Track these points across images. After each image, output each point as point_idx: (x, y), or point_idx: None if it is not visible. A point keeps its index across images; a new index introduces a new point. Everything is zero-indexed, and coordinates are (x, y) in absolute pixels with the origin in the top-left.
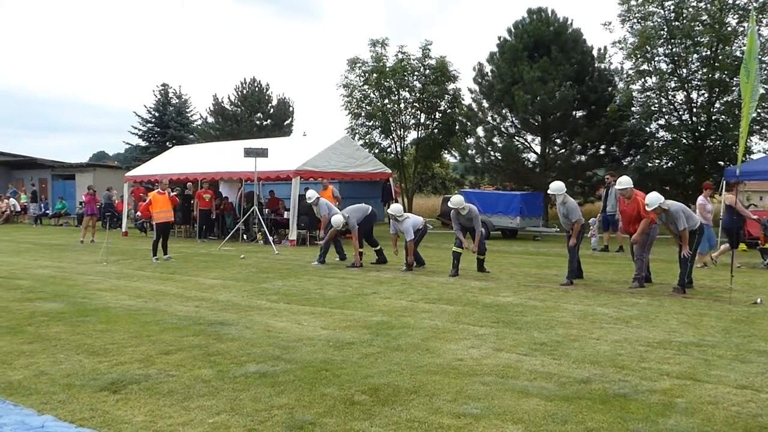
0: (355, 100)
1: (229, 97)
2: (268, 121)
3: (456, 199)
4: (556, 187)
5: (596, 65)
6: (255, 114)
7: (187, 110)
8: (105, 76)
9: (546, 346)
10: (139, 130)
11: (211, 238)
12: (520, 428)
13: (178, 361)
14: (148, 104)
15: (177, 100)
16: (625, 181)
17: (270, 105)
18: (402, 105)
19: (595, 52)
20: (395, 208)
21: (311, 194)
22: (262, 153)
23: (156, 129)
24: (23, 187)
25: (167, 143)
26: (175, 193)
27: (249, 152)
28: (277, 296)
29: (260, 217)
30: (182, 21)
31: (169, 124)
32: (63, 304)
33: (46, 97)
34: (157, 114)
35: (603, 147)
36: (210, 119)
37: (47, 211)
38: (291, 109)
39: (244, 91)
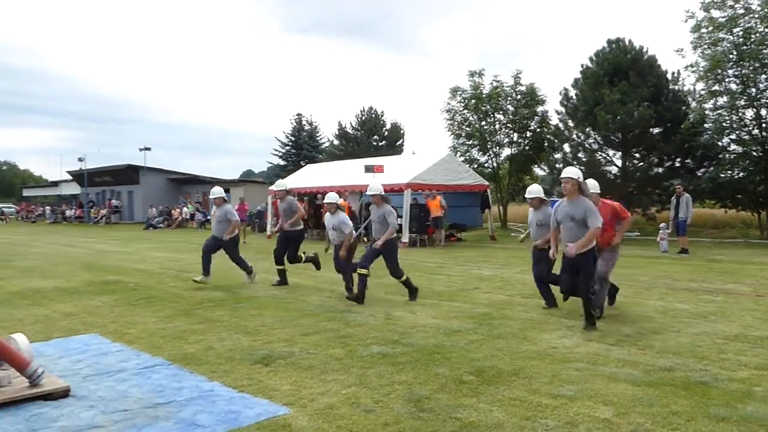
0: (456, 123)
1: (351, 123)
2: (383, 142)
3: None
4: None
5: (670, 87)
6: (372, 136)
7: (317, 135)
8: (252, 108)
9: (631, 337)
10: (279, 151)
11: None
12: (611, 409)
13: (316, 341)
14: (286, 130)
15: (309, 127)
16: (591, 186)
17: (384, 129)
18: (497, 126)
19: (669, 76)
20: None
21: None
22: (380, 169)
23: (292, 150)
24: (190, 199)
25: (301, 162)
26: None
27: (368, 168)
28: (395, 289)
29: None
30: (314, 62)
31: (302, 146)
32: (223, 292)
33: (208, 126)
34: (293, 138)
35: (678, 160)
36: (335, 142)
37: (209, 218)
38: (402, 131)
39: (363, 118)
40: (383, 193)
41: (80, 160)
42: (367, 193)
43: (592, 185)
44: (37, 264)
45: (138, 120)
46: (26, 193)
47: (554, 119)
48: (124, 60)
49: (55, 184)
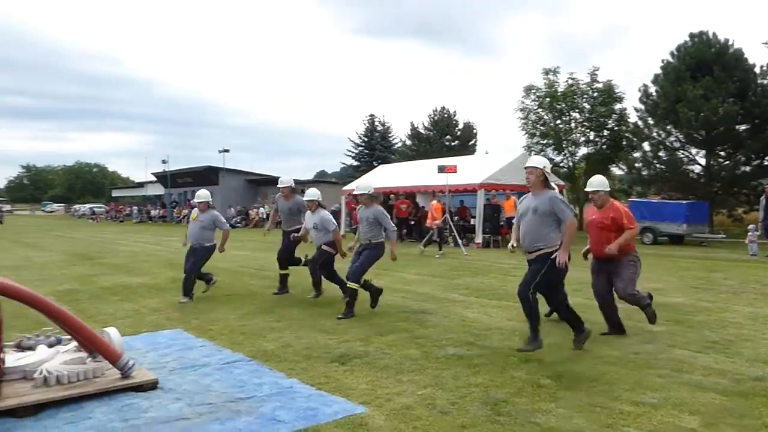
0: (530, 122)
1: (423, 123)
2: (456, 142)
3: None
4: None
5: (759, 81)
6: (445, 136)
7: (390, 135)
8: (326, 109)
9: (718, 344)
10: (352, 152)
11: (410, 241)
12: (697, 419)
13: (391, 341)
14: (359, 131)
15: (381, 127)
16: (597, 182)
17: (457, 128)
18: (572, 124)
19: (757, 70)
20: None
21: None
22: (452, 169)
23: (365, 151)
24: (267, 199)
25: (374, 162)
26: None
27: (441, 169)
28: (468, 291)
29: (451, 224)
30: (387, 63)
31: (375, 147)
32: (299, 291)
33: (283, 128)
34: (366, 139)
35: None
36: (408, 142)
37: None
38: (474, 131)
39: (436, 118)
40: (372, 191)
41: (164, 162)
42: (355, 192)
43: (600, 182)
44: (125, 261)
45: (216, 123)
46: (115, 193)
47: (633, 117)
48: (204, 65)
49: (141, 185)
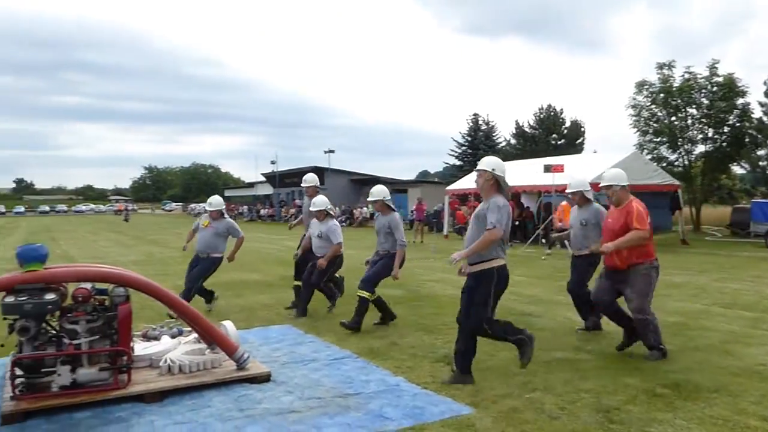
0: (642, 119)
1: (528, 122)
2: (562, 140)
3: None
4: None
5: None
6: (551, 135)
7: (494, 134)
8: (429, 109)
9: None
10: (455, 151)
11: (515, 242)
12: None
13: (496, 343)
14: (462, 130)
15: (485, 126)
16: (609, 176)
17: (564, 127)
18: (689, 121)
19: None
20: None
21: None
22: (559, 169)
23: (468, 150)
24: None
25: (477, 162)
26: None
27: (547, 168)
28: None
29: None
30: (491, 61)
31: (479, 146)
32: (403, 290)
33: (387, 129)
34: (469, 138)
35: None
36: (512, 141)
37: None
38: (582, 129)
39: (542, 116)
40: (388, 198)
41: (272, 162)
42: (369, 199)
43: (614, 176)
44: (238, 259)
45: (322, 124)
46: (227, 193)
47: (757, 112)
48: (310, 67)
49: (251, 185)
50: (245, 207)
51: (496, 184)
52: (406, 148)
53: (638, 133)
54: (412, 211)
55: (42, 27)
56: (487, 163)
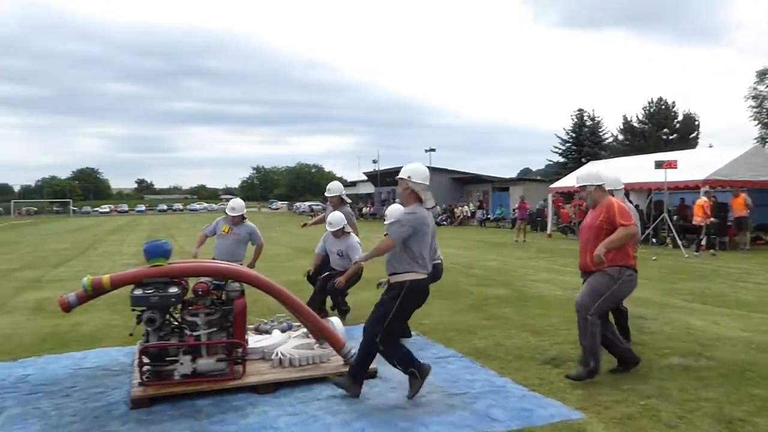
0: (765, 110)
1: (637, 116)
2: (674, 135)
3: (583, 173)
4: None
5: None
6: (661, 129)
7: (600, 130)
8: (531, 105)
9: None
10: (559, 148)
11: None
12: None
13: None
14: (566, 127)
15: (591, 122)
16: (583, 176)
17: (676, 121)
18: None
19: None
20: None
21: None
22: (672, 165)
23: (573, 147)
24: (471, 198)
25: (582, 159)
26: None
27: (659, 164)
28: (692, 296)
29: (669, 223)
30: (593, 54)
31: (583, 142)
32: (508, 290)
33: (488, 127)
34: (573, 135)
35: None
36: (620, 136)
37: (489, 216)
38: (696, 123)
39: (652, 110)
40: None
41: (374, 161)
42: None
43: (587, 176)
44: None
45: (422, 123)
46: None
47: None
48: (410, 67)
49: (354, 184)
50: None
51: (414, 193)
52: (507, 146)
53: (759, 125)
54: (514, 210)
55: (160, 38)
56: (404, 170)
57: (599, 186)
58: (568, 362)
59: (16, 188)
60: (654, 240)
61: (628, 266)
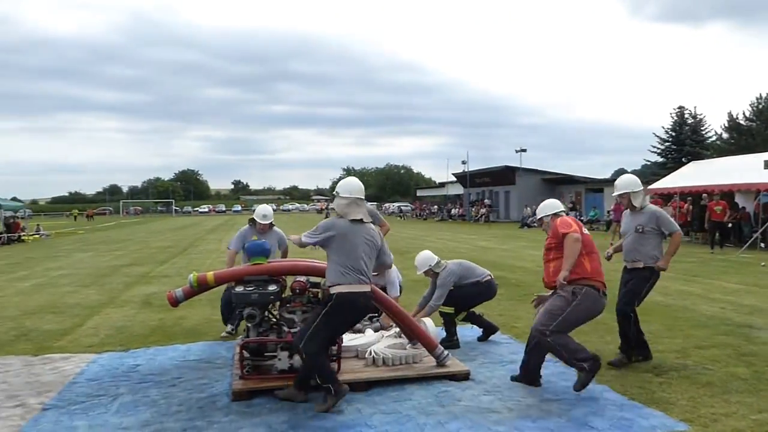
0: None
1: (744, 113)
2: None
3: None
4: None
5: None
6: None
7: (702, 128)
8: (626, 103)
9: None
10: (657, 148)
11: (727, 246)
12: None
13: (712, 356)
14: (665, 125)
15: (692, 120)
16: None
17: None
18: None
19: None
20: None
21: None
22: None
23: (673, 146)
24: (563, 199)
25: (683, 159)
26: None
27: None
28: None
29: None
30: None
31: (684, 142)
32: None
33: (580, 126)
34: (673, 133)
35: None
36: (724, 135)
37: (582, 218)
38: None
39: (760, 106)
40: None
41: (463, 162)
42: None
43: (546, 206)
44: None
45: (512, 123)
46: (419, 193)
47: None
48: (498, 67)
49: (442, 185)
50: (435, 206)
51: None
52: (600, 146)
53: None
54: (609, 212)
55: (257, 43)
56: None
57: (552, 215)
58: (671, 372)
59: (125, 189)
60: (762, 245)
61: (579, 285)
